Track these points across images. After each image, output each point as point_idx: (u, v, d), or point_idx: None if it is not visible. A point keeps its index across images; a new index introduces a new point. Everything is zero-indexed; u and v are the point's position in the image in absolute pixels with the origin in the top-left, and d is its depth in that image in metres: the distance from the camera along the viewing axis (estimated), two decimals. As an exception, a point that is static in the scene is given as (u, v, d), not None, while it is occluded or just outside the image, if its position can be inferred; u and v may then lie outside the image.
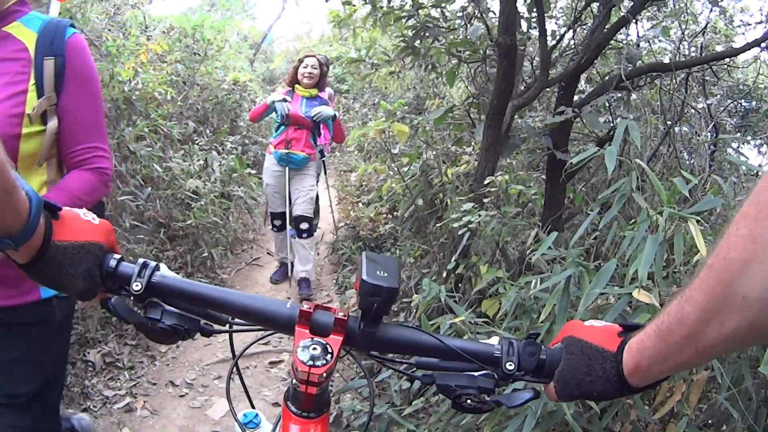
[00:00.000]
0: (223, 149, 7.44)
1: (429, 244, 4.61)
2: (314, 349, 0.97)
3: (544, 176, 4.06)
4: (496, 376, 1.02)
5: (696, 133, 4.86)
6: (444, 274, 3.44)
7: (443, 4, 4.27)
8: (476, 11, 4.12)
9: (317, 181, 5.72)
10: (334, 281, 5.90)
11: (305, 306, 1.03)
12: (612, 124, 3.63)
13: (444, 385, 1.02)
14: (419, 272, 4.40)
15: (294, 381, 1.02)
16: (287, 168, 5.44)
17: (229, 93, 8.69)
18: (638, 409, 2.11)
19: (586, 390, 0.93)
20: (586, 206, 3.82)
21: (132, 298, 1.02)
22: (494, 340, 1.06)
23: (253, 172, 7.27)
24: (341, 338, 1.01)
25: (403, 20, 4.35)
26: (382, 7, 4.35)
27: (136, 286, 1.00)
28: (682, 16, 4.38)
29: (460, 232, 2.85)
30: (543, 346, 1.02)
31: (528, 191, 3.04)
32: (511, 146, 3.53)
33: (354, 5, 4.71)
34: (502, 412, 2.07)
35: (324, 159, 5.82)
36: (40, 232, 0.88)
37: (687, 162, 4.49)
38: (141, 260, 1.02)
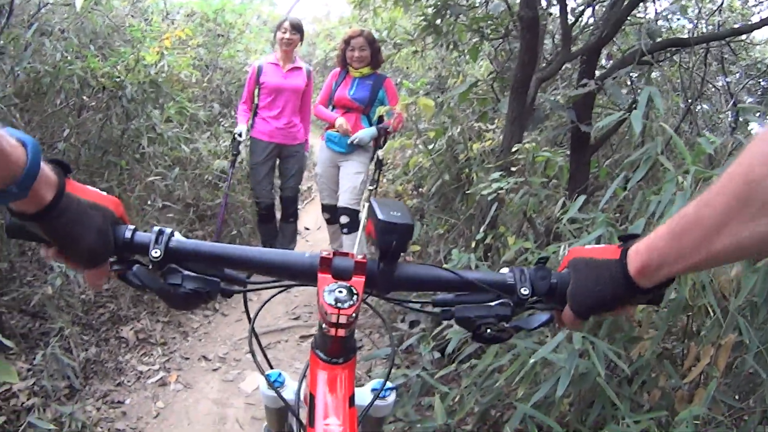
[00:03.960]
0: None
1: (455, 218, 4.63)
2: (339, 291, 0.99)
3: (567, 151, 4.09)
4: (511, 303, 1.05)
5: (716, 110, 4.86)
6: (472, 245, 3.48)
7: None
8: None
9: (368, 170, 5.18)
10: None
11: (325, 252, 1.04)
12: (634, 98, 3.63)
13: (463, 318, 1.05)
14: (447, 246, 4.42)
15: (323, 326, 1.05)
16: (337, 155, 5.11)
17: (251, 76, 8.73)
18: (667, 375, 2.15)
19: (599, 298, 0.96)
20: (610, 180, 3.85)
21: (150, 266, 1.02)
22: (505, 270, 1.09)
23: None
24: (363, 279, 1.03)
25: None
26: (403, -14, 4.36)
27: (155, 252, 1.00)
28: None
29: (489, 198, 2.88)
30: (552, 271, 1.06)
31: (555, 157, 3.06)
32: (535, 119, 3.54)
33: (374, -15, 4.73)
34: (535, 374, 2.12)
35: (380, 149, 5.19)
36: (52, 181, 0.86)
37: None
38: (156, 227, 1.02)
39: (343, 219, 4.98)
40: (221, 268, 1.07)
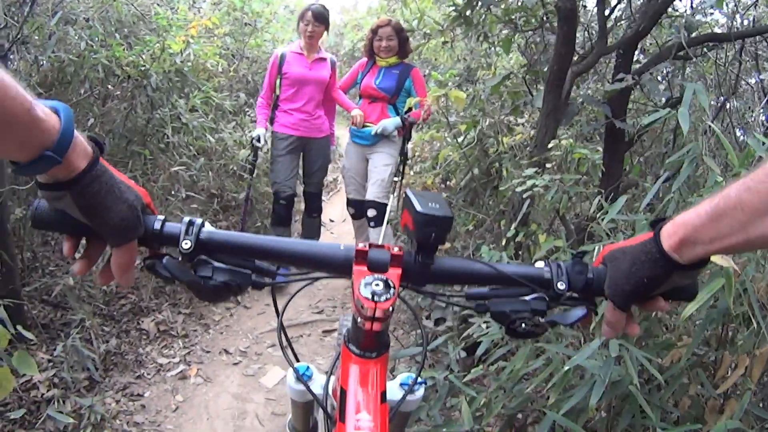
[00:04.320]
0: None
1: (484, 213, 4.55)
2: (376, 285, 0.96)
3: (598, 147, 3.99)
4: (547, 298, 1.03)
5: (750, 108, 4.73)
6: (502, 243, 3.40)
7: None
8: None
9: (396, 164, 5.03)
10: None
11: (361, 245, 1.02)
12: (671, 94, 3.52)
13: (498, 312, 1.03)
14: (475, 242, 4.35)
15: (358, 320, 1.00)
16: (364, 148, 5.09)
17: (278, 65, 8.68)
18: (698, 383, 2.06)
19: (636, 281, 0.93)
20: (642, 178, 3.74)
21: (180, 257, 1.00)
22: (541, 264, 1.07)
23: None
24: (399, 272, 1.01)
25: (456, -11, 4.27)
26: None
27: (186, 244, 0.98)
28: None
29: (524, 196, 2.78)
30: (589, 266, 1.03)
31: (594, 155, 2.96)
32: (570, 113, 3.45)
33: (405, -26, 4.65)
34: (567, 380, 2.04)
35: (408, 140, 5.09)
36: (86, 151, 0.86)
37: (741, 138, 4.37)
38: (186, 218, 1.01)
39: (371, 212, 4.91)
40: (252, 260, 1.04)
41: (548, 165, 3.07)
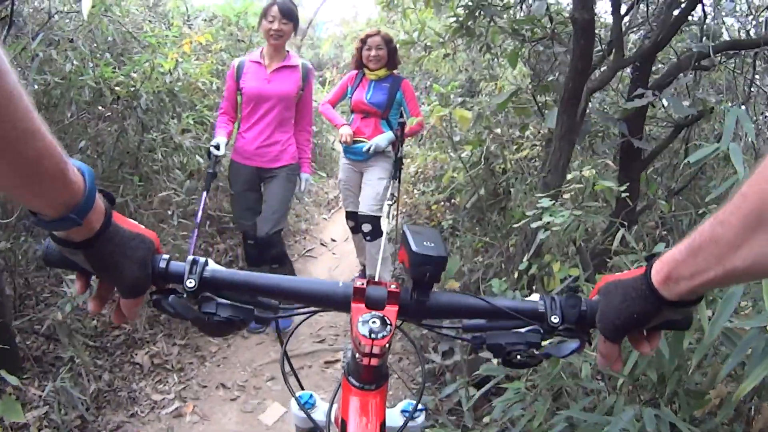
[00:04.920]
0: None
1: (493, 236, 4.37)
2: (373, 322, 1.01)
3: (607, 160, 3.83)
4: (541, 331, 1.06)
5: (763, 114, 4.59)
6: (511, 268, 3.23)
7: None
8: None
9: (390, 177, 4.78)
10: (391, 272, 5.68)
11: (359, 282, 1.06)
12: (695, 110, 3.32)
13: (494, 344, 1.07)
14: (482, 265, 4.18)
15: (356, 355, 1.08)
16: (356, 162, 4.95)
17: (276, 81, 8.53)
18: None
19: (626, 315, 0.95)
20: (654, 194, 3.57)
21: (185, 295, 1.03)
22: (535, 296, 1.10)
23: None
24: (396, 309, 1.05)
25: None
26: (434, -14, 4.12)
27: (190, 282, 1.02)
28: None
29: (541, 235, 2.58)
30: (583, 299, 1.05)
31: (617, 186, 2.76)
32: (584, 132, 3.26)
33: (405, -15, 4.50)
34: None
35: (401, 157, 4.85)
36: (101, 209, 0.88)
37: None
38: (190, 257, 1.04)
39: (366, 227, 4.84)
40: (255, 296, 1.09)
41: (566, 196, 2.88)
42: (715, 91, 4.45)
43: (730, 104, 4.08)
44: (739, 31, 4.44)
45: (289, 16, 4.11)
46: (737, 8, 4.34)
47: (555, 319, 1.04)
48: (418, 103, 5.00)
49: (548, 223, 2.47)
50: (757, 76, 4.13)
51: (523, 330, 1.07)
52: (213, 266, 1.06)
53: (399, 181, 4.95)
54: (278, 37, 4.10)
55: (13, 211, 3.62)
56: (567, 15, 3.76)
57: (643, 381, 2.13)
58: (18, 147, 0.71)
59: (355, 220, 5.11)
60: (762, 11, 4.22)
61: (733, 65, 4.02)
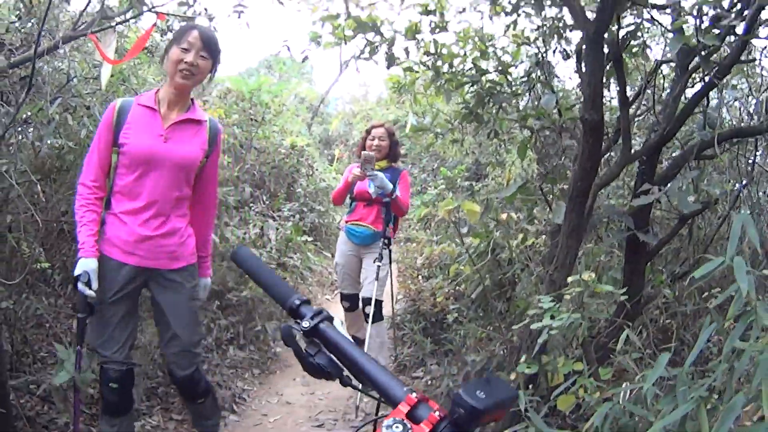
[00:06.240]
0: (279, 216, 7.35)
1: (497, 326, 4.35)
2: (396, 427, 1.03)
3: (614, 249, 3.83)
4: None
5: (765, 192, 4.60)
6: (513, 359, 3.20)
7: (508, 69, 4.10)
8: (542, 76, 3.94)
9: (389, 261, 5.08)
10: (392, 358, 5.62)
11: (414, 395, 1.10)
12: (700, 205, 3.34)
13: None
14: (485, 355, 4.14)
15: None
16: (359, 247, 5.10)
17: (286, 157, 8.65)
18: None
19: None
20: (659, 285, 3.56)
21: (300, 331, 1.26)
22: None
23: (309, 239, 7.13)
24: (428, 430, 1.05)
25: (466, 86, 4.20)
26: (445, 73, 4.20)
27: (305, 324, 1.25)
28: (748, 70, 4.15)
29: (542, 337, 2.57)
30: None
31: (618, 291, 2.76)
32: (591, 226, 3.28)
33: (416, 71, 4.58)
34: None
35: (390, 248, 5.12)
36: None
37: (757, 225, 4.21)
38: (318, 308, 1.30)
39: (369, 309, 4.88)
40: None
41: (568, 297, 2.87)
42: (718, 173, 4.49)
43: (734, 185, 4.12)
44: (740, 111, 4.51)
45: (212, 49, 2.93)
46: (738, 87, 4.42)
47: None
48: (410, 194, 5.32)
49: (551, 326, 2.46)
50: (758, 158, 4.17)
51: None
52: (331, 325, 1.27)
53: (390, 260, 5.14)
54: (189, 75, 2.87)
55: (18, 270, 3.64)
56: (575, 107, 3.84)
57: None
58: None
59: (351, 300, 5.24)
60: (763, 91, 4.27)
61: (736, 149, 4.05)
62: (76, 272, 2.73)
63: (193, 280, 3.06)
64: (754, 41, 3.22)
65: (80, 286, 2.71)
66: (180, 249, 2.97)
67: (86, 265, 2.74)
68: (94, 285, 2.74)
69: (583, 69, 3.17)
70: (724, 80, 3.57)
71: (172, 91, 2.91)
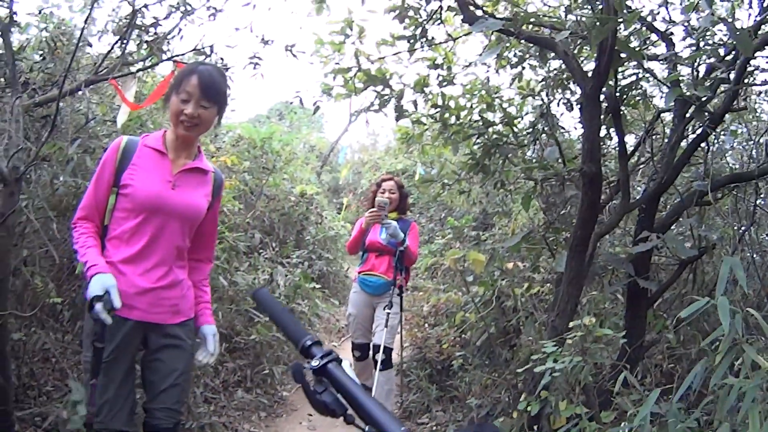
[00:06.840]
0: (288, 263, 7.42)
1: (501, 372, 4.40)
2: None
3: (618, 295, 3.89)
4: None
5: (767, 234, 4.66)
6: (517, 405, 3.25)
7: (513, 121, 4.23)
8: (546, 128, 4.06)
9: (400, 309, 5.14)
10: (398, 404, 5.64)
11: None
12: (697, 251, 3.42)
13: None
14: (489, 401, 4.18)
15: None
16: (372, 297, 5.14)
17: (295, 205, 8.75)
18: None
19: None
20: (661, 331, 3.61)
21: (310, 370, 1.30)
22: None
23: (317, 286, 7.18)
24: None
25: (473, 138, 4.32)
26: (452, 125, 4.32)
27: (315, 362, 1.30)
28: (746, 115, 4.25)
29: (545, 379, 2.63)
30: None
31: (618, 336, 2.83)
32: (592, 274, 3.37)
33: (424, 124, 4.71)
34: None
35: (402, 296, 5.19)
36: None
37: (759, 267, 4.25)
38: (328, 348, 1.33)
39: (380, 356, 4.86)
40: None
41: (569, 341, 2.94)
42: (721, 218, 4.56)
43: (734, 227, 4.18)
44: (742, 155, 4.59)
45: (214, 95, 2.66)
46: (739, 133, 4.50)
47: None
48: (419, 244, 5.41)
49: (553, 370, 2.53)
50: (760, 201, 4.23)
51: None
52: (339, 366, 1.31)
53: (401, 308, 5.18)
54: (192, 126, 2.64)
55: (29, 303, 3.71)
56: (579, 158, 3.95)
57: None
58: None
59: (362, 350, 5.26)
60: (762, 135, 4.35)
61: (739, 192, 4.13)
62: (94, 292, 2.33)
63: (193, 335, 2.82)
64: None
65: (98, 307, 2.30)
66: (181, 302, 2.74)
67: (104, 281, 2.37)
68: (117, 303, 2.35)
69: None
70: (725, 126, 3.68)
71: (175, 139, 2.72)
